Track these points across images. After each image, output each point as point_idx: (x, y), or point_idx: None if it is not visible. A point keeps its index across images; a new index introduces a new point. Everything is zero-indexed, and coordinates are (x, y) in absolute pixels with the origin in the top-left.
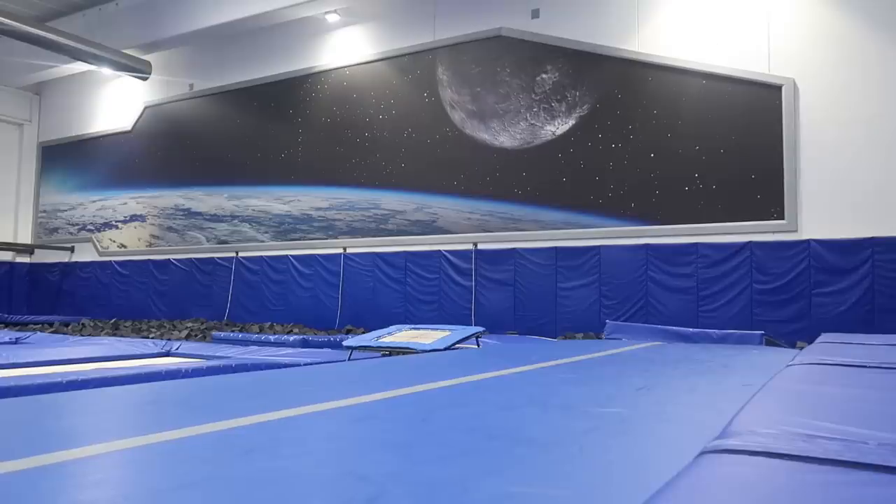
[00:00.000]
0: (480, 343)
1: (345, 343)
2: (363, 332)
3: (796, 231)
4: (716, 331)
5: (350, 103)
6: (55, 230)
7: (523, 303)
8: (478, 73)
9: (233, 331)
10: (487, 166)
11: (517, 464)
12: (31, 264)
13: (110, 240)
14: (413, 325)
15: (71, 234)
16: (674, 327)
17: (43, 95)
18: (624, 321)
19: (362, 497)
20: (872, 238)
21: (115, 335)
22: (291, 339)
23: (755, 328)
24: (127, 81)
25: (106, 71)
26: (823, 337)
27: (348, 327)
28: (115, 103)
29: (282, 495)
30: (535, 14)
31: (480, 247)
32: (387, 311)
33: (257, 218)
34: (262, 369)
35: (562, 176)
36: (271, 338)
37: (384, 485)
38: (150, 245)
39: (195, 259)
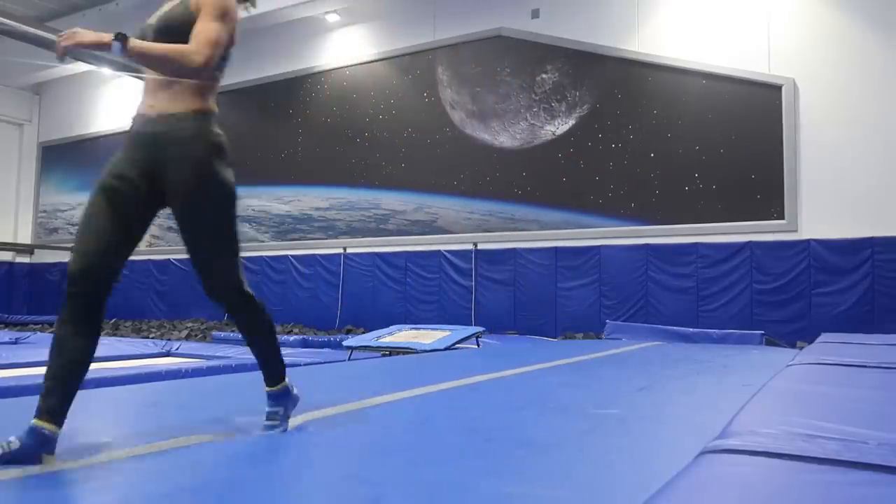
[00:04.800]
0: (480, 343)
1: (345, 343)
2: (363, 332)
3: (796, 231)
4: (716, 331)
5: (350, 103)
6: (55, 230)
7: (523, 303)
8: (478, 73)
9: (233, 331)
10: (487, 166)
11: (517, 465)
12: (31, 264)
13: None
14: (413, 325)
15: (71, 234)
16: (674, 327)
17: (43, 95)
18: (624, 321)
19: (363, 500)
20: (872, 238)
21: (115, 335)
22: (291, 339)
23: (755, 328)
24: (127, 81)
25: (106, 71)
26: (823, 337)
27: (348, 327)
28: (115, 103)
29: (282, 499)
30: (535, 14)
31: (480, 247)
32: (387, 311)
33: (257, 218)
34: None
35: (562, 176)
36: None
37: (384, 487)
38: (150, 245)
39: None
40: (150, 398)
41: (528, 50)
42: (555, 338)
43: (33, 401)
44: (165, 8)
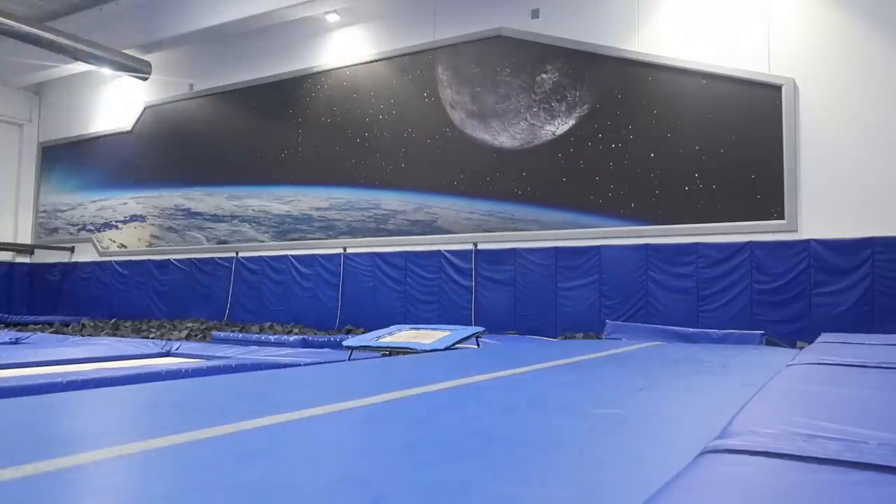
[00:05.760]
0: (480, 343)
1: (345, 343)
2: (363, 332)
3: (796, 231)
4: (716, 331)
5: (350, 103)
6: (55, 230)
7: (523, 303)
8: (478, 73)
9: (233, 331)
10: (487, 166)
11: (518, 465)
12: (31, 264)
13: (110, 240)
14: (413, 325)
15: (71, 234)
16: (674, 327)
17: (43, 95)
18: (624, 321)
19: (364, 501)
20: (872, 238)
21: (115, 335)
22: (291, 339)
23: (755, 328)
24: (127, 81)
25: (106, 71)
26: (823, 337)
27: (348, 327)
28: (115, 103)
29: (283, 500)
30: (535, 14)
31: (480, 247)
32: (387, 311)
33: (257, 218)
34: (262, 369)
35: (562, 176)
36: (271, 338)
37: (385, 488)
38: (150, 245)
39: (195, 259)
40: (150, 398)
41: (528, 50)
42: (555, 338)
43: (34, 401)
44: None
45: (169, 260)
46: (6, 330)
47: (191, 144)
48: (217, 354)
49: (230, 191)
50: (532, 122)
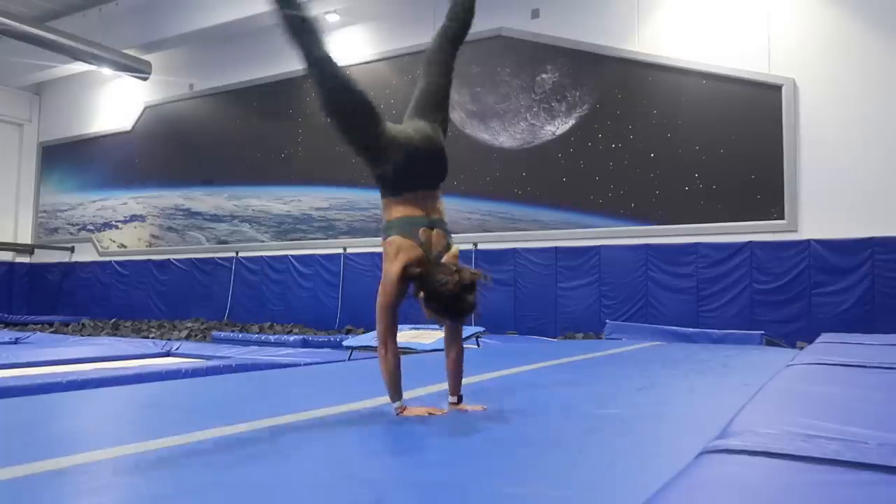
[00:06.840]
0: (480, 343)
1: (345, 343)
2: (363, 332)
3: (796, 231)
4: (716, 331)
5: None
6: (55, 230)
7: (523, 303)
8: (478, 73)
9: (233, 331)
10: (487, 166)
11: (517, 465)
12: (31, 264)
13: (110, 240)
14: (413, 325)
15: (71, 234)
16: (674, 327)
17: (43, 95)
18: (624, 321)
19: (363, 500)
20: (872, 238)
21: (115, 335)
22: (291, 339)
23: (755, 328)
24: (127, 81)
25: (106, 71)
26: (823, 337)
27: (348, 327)
28: (115, 103)
29: (283, 500)
30: (535, 14)
31: (480, 247)
32: None
33: (257, 218)
34: (262, 369)
35: (562, 176)
36: (271, 338)
37: (384, 487)
38: (150, 245)
39: (195, 259)
40: (150, 398)
41: (528, 50)
42: (555, 338)
43: (34, 401)
44: None
45: (169, 260)
46: (6, 330)
47: (191, 144)
48: (217, 354)
49: (230, 191)
50: (532, 122)
